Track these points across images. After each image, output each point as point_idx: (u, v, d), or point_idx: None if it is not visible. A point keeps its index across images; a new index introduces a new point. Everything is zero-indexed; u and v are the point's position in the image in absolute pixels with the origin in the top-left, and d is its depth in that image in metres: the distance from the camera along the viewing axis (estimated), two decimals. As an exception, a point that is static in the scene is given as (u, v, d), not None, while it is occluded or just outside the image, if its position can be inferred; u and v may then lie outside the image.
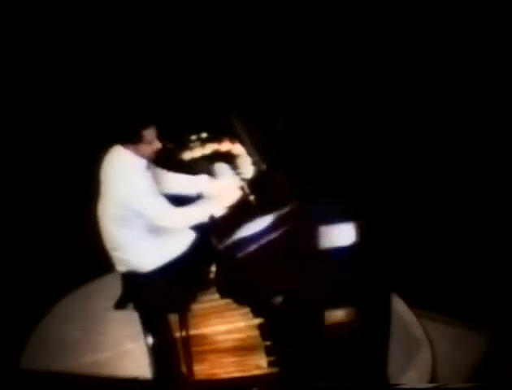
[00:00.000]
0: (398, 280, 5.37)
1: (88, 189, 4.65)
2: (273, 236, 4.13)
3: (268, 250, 4.15)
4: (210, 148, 4.79)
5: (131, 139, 4.25)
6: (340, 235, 4.13)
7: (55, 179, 6.45)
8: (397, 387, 4.55)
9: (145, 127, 4.24)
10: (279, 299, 4.30)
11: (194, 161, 4.78)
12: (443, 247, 5.90)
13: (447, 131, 6.76)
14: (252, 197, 4.34)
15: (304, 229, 4.12)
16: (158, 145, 4.31)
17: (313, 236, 4.12)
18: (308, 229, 4.11)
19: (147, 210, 4.29)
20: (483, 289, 5.46)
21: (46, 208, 6.22)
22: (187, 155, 4.77)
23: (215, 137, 4.84)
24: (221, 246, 4.23)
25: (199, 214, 4.42)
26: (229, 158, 4.81)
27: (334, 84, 6.48)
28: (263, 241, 4.14)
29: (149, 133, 4.26)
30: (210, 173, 4.75)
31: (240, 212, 4.36)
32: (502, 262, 5.62)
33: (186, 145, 4.78)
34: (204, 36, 6.82)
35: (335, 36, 6.79)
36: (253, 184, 4.46)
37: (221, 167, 4.79)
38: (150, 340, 4.55)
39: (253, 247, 4.17)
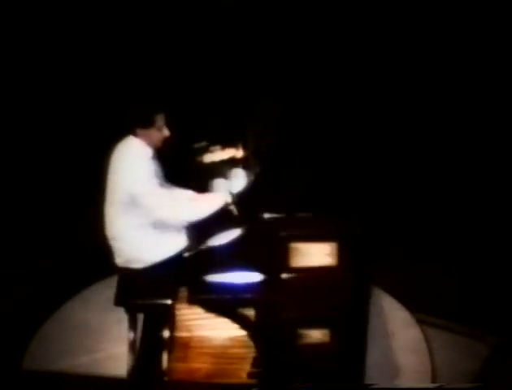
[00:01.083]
0: (399, 284, 5.42)
1: (91, 190, 4.69)
2: (242, 248, 4.22)
3: (237, 261, 4.25)
4: (228, 153, 4.88)
5: (144, 123, 4.41)
6: (316, 253, 4.17)
7: (60, 180, 6.48)
8: (398, 387, 4.57)
9: (157, 111, 4.43)
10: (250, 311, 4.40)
11: (214, 164, 4.87)
12: (445, 251, 5.91)
13: (447, 134, 6.80)
14: (234, 207, 4.39)
15: (277, 246, 4.17)
16: (166, 132, 4.47)
17: (286, 253, 4.17)
18: (281, 245, 4.16)
19: (144, 196, 4.35)
20: (485, 294, 5.46)
21: (50, 210, 6.24)
22: (207, 158, 4.89)
23: (234, 143, 4.93)
24: (191, 252, 4.33)
25: (193, 210, 4.47)
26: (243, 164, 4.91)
27: (332, 89, 6.53)
28: (233, 252, 4.23)
29: (160, 119, 4.44)
30: (227, 177, 4.82)
31: (218, 221, 4.41)
32: (504, 267, 5.63)
33: (207, 149, 4.89)
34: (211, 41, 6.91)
35: (334, 39, 6.85)
36: (239, 193, 4.52)
37: (237, 173, 4.87)
38: (132, 336, 4.61)
39: (222, 257, 4.27)
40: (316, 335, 4.28)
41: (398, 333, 5.17)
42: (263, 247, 4.17)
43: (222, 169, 4.82)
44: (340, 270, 4.13)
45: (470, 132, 6.76)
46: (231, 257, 4.24)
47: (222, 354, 4.78)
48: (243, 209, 4.32)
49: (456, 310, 5.32)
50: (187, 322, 4.91)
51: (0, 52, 6.86)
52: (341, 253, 4.11)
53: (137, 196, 4.33)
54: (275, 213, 4.17)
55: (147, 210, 4.37)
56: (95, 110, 6.79)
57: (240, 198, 4.41)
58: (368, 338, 4.99)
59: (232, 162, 4.86)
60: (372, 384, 4.56)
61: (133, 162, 4.39)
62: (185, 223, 4.47)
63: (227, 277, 4.27)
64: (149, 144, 4.45)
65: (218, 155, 4.87)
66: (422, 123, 6.88)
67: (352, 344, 4.35)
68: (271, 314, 4.29)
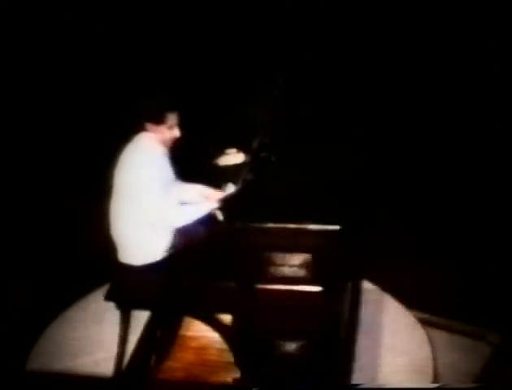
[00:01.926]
0: (398, 283, 5.41)
1: (100, 190, 4.72)
2: (218, 254, 4.23)
3: (213, 268, 4.26)
4: (243, 157, 4.88)
5: (154, 118, 4.42)
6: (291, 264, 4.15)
7: (68, 179, 6.52)
8: (397, 387, 4.56)
9: (170, 109, 4.44)
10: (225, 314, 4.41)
11: (228, 167, 4.86)
12: (445, 249, 5.90)
13: (446, 129, 6.80)
14: (220, 212, 4.35)
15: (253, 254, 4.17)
16: (177, 132, 4.48)
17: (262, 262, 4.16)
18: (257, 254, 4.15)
19: (139, 195, 4.37)
20: (486, 293, 5.45)
21: (59, 211, 6.28)
22: (222, 161, 4.89)
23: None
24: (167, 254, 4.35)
25: (180, 216, 4.48)
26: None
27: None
28: (209, 258, 4.24)
29: (172, 118, 4.44)
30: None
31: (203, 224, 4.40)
32: (505, 266, 5.60)
33: (223, 151, 4.90)
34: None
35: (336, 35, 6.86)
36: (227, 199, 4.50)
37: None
38: (122, 333, 4.62)
39: (198, 261, 4.27)
40: (290, 346, 4.26)
41: (399, 333, 5.15)
42: (240, 255, 4.17)
43: (236, 172, 4.83)
44: (315, 282, 4.11)
45: (468, 126, 6.77)
46: (207, 263, 4.25)
47: (219, 355, 4.77)
48: (230, 215, 4.30)
49: (457, 309, 5.31)
50: (185, 322, 4.94)
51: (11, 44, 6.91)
52: (316, 265, 4.09)
53: (134, 193, 4.36)
54: (261, 221, 4.18)
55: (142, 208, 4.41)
56: (107, 109, 6.85)
57: (226, 203, 4.41)
58: (368, 338, 5.01)
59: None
60: (360, 384, 4.58)
61: (137, 159, 4.41)
62: (170, 227, 4.48)
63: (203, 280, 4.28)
64: (160, 141, 4.48)
65: (233, 158, 4.87)
66: (417, 119, 6.88)
67: (326, 357, 4.30)
68: (246, 322, 4.30)
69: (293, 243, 4.08)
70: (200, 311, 4.45)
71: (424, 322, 5.23)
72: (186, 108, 4.51)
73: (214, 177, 4.75)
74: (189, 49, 7.09)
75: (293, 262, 4.09)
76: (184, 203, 4.61)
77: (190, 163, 4.84)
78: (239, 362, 4.45)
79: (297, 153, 4.72)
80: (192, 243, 4.29)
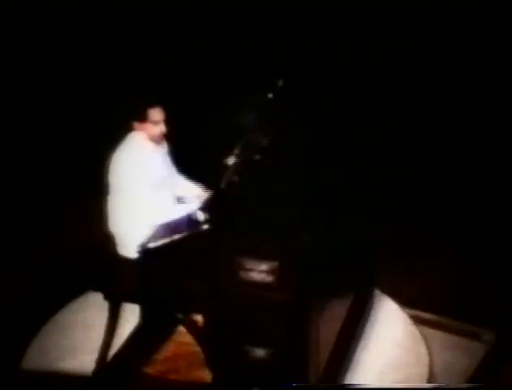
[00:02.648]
0: (397, 283, 5.42)
1: (92, 191, 4.77)
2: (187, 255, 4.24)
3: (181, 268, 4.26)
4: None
5: (136, 116, 4.48)
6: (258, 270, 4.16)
7: (62, 180, 6.57)
8: (397, 387, 4.58)
9: (151, 105, 4.48)
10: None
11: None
12: (444, 249, 5.94)
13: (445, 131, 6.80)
14: (201, 214, 4.31)
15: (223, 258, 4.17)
16: (163, 128, 4.53)
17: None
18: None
19: (127, 190, 4.45)
20: (482, 292, 5.47)
21: (51, 213, 6.32)
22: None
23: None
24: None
25: (171, 212, 4.49)
26: None
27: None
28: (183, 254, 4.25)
29: (155, 113, 4.49)
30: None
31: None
32: (502, 265, 5.62)
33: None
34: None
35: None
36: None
37: None
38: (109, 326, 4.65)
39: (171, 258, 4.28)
40: (259, 351, 4.26)
41: (397, 333, 5.15)
42: (214, 257, 4.18)
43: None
44: (280, 289, 4.10)
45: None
46: (181, 262, 4.27)
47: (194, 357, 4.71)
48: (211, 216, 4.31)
49: (452, 308, 5.33)
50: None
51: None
52: (282, 273, 4.08)
53: (124, 189, 4.44)
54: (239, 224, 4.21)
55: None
56: (93, 108, 6.88)
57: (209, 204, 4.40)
58: (366, 338, 5.04)
59: None
60: (357, 384, 4.60)
61: (126, 157, 4.49)
62: (155, 221, 4.47)
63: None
64: (149, 138, 4.53)
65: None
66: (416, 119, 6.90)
67: (294, 364, 4.26)
68: (215, 325, 4.31)
69: (266, 249, 4.09)
70: (172, 310, 4.48)
71: (419, 321, 5.24)
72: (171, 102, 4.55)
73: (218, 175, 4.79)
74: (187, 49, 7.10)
75: (263, 268, 4.11)
76: (178, 198, 4.68)
77: (194, 160, 4.85)
78: (209, 364, 4.45)
79: (291, 157, 4.75)
80: (171, 240, 4.31)
